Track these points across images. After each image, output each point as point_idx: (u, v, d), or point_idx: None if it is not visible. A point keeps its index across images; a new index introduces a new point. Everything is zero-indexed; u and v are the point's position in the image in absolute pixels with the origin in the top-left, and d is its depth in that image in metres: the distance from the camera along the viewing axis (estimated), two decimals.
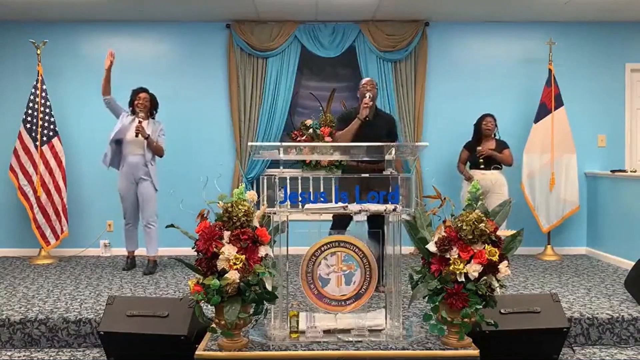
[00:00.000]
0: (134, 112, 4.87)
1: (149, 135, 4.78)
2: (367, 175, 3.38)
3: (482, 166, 5.33)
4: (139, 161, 4.84)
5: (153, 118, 5.00)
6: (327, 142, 4.85)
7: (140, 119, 4.75)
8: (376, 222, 3.36)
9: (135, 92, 4.90)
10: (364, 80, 4.35)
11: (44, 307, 3.72)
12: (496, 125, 5.40)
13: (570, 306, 3.76)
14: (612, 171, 5.57)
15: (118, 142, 4.85)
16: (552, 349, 3.22)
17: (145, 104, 4.84)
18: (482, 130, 5.38)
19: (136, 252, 5.22)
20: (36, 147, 5.38)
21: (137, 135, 4.69)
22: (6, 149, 5.55)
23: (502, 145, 5.40)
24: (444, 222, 3.04)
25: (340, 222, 4.03)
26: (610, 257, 5.46)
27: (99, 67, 5.66)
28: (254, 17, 5.68)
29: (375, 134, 4.04)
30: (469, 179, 5.27)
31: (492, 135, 5.41)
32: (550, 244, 5.74)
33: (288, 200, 3.14)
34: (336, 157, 3.87)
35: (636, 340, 3.54)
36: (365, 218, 3.21)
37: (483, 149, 5.30)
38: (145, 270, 4.90)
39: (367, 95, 4.16)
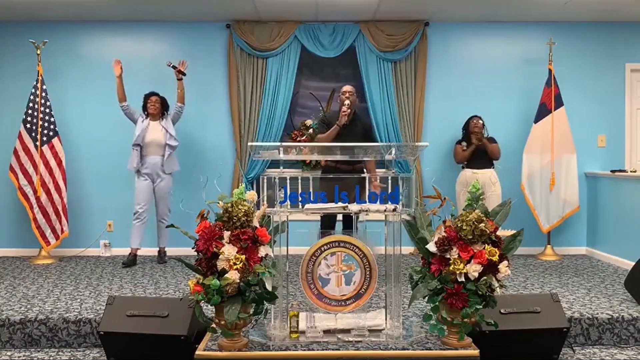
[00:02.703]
0: (147, 116, 5.20)
1: (182, 77, 5.23)
2: (365, 175, 3.40)
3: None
4: (158, 161, 5.18)
5: (166, 119, 5.30)
6: None
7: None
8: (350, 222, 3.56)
9: (147, 96, 5.23)
10: (344, 88, 4.68)
11: (44, 307, 3.72)
12: (484, 125, 5.48)
13: (570, 306, 3.76)
14: (612, 171, 5.57)
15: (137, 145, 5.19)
16: (552, 349, 3.22)
17: (156, 105, 5.18)
18: (470, 130, 5.48)
19: (138, 252, 5.27)
20: (36, 147, 5.38)
21: (180, 78, 5.20)
22: (6, 149, 5.55)
23: (490, 141, 5.51)
24: (444, 222, 3.04)
25: (329, 222, 4.18)
26: (610, 257, 5.46)
27: (98, 67, 5.70)
28: (254, 17, 5.68)
29: (351, 137, 4.35)
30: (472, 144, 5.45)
31: (481, 135, 5.47)
32: (550, 244, 5.74)
33: (288, 200, 3.14)
34: (338, 157, 3.92)
35: (636, 340, 3.54)
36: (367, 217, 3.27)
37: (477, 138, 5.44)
38: (160, 260, 5.32)
39: (346, 103, 4.50)
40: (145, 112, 5.22)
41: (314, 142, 5.10)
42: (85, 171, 5.82)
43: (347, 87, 4.68)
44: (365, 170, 4.61)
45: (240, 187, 3.02)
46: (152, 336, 3.07)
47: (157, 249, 5.40)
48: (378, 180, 3.50)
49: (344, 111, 4.49)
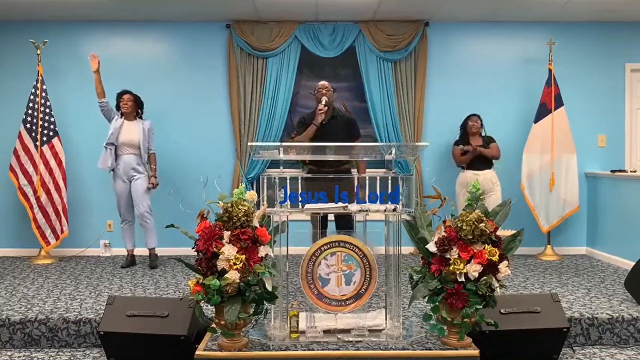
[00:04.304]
0: (122, 115, 5.09)
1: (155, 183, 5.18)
2: (365, 175, 3.39)
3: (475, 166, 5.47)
4: (132, 160, 5.06)
5: (141, 118, 5.20)
6: None
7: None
8: (346, 222, 3.61)
9: (119, 95, 5.10)
10: (320, 84, 4.45)
11: (44, 307, 3.72)
12: (482, 124, 5.49)
13: (570, 306, 3.76)
14: (612, 171, 5.57)
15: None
16: (552, 349, 3.22)
17: (128, 104, 5.05)
18: (468, 129, 5.48)
19: (135, 252, 5.27)
20: (36, 147, 5.38)
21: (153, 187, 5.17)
22: (6, 149, 5.55)
23: (488, 141, 5.50)
24: (444, 222, 3.04)
25: (322, 222, 4.08)
26: (610, 257, 5.46)
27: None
28: (254, 17, 5.68)
29: (332, 136, 4.17)
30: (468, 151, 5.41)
31: (479, 134, 5.48)
32: (550, 244, 5.74)
33: (288, 200, 3.14)
34: (333, 157, 3.90)
35: (636, 340, 3.54)
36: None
37: (473, 147, 5.40)
38: (151, 264, 5.12)
39: (323, 100, 4.29)
40: (120, 112, 5.09)
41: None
42: (85, 171, 5.81)
43: (324, 83, 4.45)
44: (358, 171, 4.50)
45: (240, 187, 3.02)
46: (152, 336, 3.07)
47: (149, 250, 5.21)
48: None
49: (320, 109, 4.30)
